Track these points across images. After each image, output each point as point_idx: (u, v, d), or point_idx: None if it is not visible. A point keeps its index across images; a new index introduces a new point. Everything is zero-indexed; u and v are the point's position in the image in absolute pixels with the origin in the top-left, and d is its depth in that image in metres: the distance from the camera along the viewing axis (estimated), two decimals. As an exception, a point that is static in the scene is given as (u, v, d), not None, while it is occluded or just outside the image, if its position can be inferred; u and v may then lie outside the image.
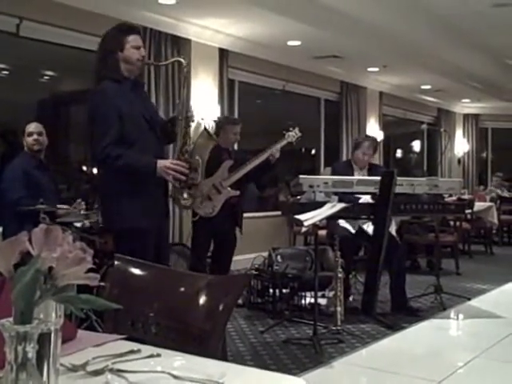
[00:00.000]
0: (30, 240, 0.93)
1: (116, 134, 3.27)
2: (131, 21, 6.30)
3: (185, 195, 3.43)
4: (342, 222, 5.55)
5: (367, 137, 6.22)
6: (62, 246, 0.91)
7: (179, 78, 3.60)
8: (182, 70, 3.63)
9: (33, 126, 4.71)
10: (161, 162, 3.31)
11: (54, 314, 1.01)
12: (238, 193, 5.18)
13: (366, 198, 5.41)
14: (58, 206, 4.61)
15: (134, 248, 3.14)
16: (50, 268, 0.91)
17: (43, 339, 0.94)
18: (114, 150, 3.26)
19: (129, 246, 3.20)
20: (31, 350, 0.88)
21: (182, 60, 3.61)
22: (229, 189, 5.12)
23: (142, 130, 3.37)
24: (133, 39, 3.41)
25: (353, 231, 5.59)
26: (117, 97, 3.32)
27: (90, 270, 0.94)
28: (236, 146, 8.13)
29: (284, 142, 5.23)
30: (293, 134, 5.25)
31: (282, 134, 5.27)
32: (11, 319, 0.89)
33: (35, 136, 4.67)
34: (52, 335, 0.96)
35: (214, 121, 5.86)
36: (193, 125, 3.60)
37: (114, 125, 3.27)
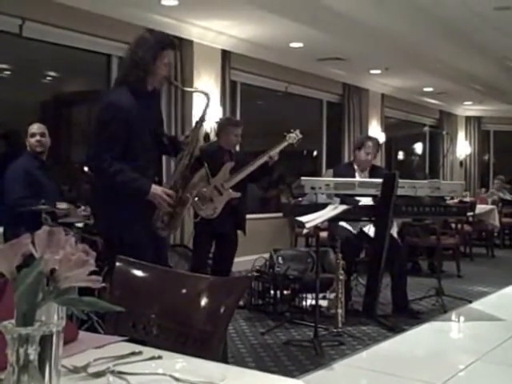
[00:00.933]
0: (32, 242, 0.93)
1: (120, 149, 3.25)
2: (133, 22, 6.38)
3: (164, 223, 3.42)
4: (343, 223, 5.55)
5: (370, 137, 6.22)
6: (64, 249, 0.91)
7: (201, 114, 3.58)
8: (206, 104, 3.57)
9: (35, 127, 4.72)
10: (154, 189, 3.28)
11: (55, 316, 1.01)
12: (239, 194, 5.17)
13: (365, 200, 5.41)
14: (58, 203, 4.60)
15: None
16: (53, 270, 0.92)
17: (45, 341, 0.94)
18: (114, 164, 3.22)
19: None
20: (33, 352, 0.89)
21: (205, 94, 3.61)
22: (230, 190, 5.12)
23: (146, 147, 3.35)
24: (166, 55, 3.34)
25: (354, 232, 5.59)
26: (130, 111, 3.26)
27: (92, 273, 0.94)
28: (238, 148, 8.17)
29: (285, 144, 5.23)
30: (294, 136, 5.25)
31: (283, 135, 5.28)
32: (13, 321, 0.89)
33: (38, 137, 4.67)
34: (54, 337, 0.96)
35: (216, 122, 5.84)
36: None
37: (120, 140, 3.24)
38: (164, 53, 3.32)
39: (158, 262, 3.24)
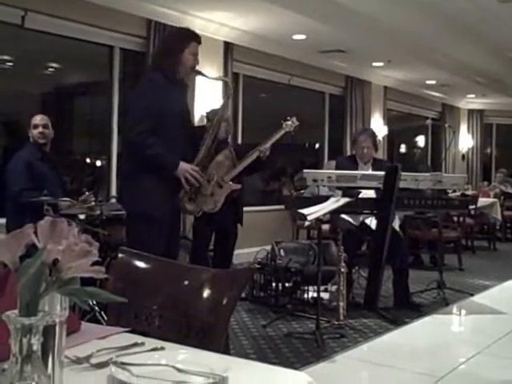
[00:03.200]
0: (35, 232, 0.93)
1: (154, 122, 3.49)
2: (136, 14, 6.37)
3: (191, 200, 3.73)
4: (345, 216, 5.55)
5: (362, 130, 6.20)
6: (67, 239, 0.91)
7: (224, 97, 3.98)
8: (226, 90, 3.92)
9: (38, 119, 4.71)
10: (183, 165, 3.56)
11: (58, 307, 1.01)
12: (239, 186, 5.16)
13: (366, 193, 5.40)
14: (63, 199, 4.60)
15: (145, 233, 3.46)
16: (55, 260, 0.91)
17: (48, 331, 0.94)
18: (149, 137, 3.48)
19: (140, 230, 3.50)
20: (36, 343, 0.88)
21: (228, 81, 3.90)
22: (230, 183, 5.11)
23: (175, 128, 3.57)
24: (194, 46, 3.68)
25: (356, 224, 5.58)
26: (163, 92, 3.55)
27: (95, 263, 0.94)
28: (240, 140, 8.17)
29: (282, 132, 5.19)
30: (290, 124, 5.21)
31: (279, 125, 5.25)
32: (16, 311, 0.89)
33: (40, 129, 4.67)
34: (57, 327, 0.96)
35: (206, 115, 5.81)
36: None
37: (154, 114, 3.49)
38: (192, 44, 3.66)
39: (168, 247, 3.51)
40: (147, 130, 3.48)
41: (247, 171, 5.23)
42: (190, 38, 3.71)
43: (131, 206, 3.68)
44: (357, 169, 5.60)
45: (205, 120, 7.17)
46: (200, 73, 4.01)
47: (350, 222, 5.56)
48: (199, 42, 3.77)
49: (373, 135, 5.82)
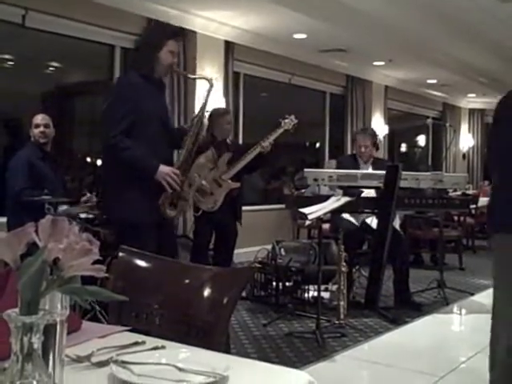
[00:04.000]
0: (36, 231, 0.93)
1: (129, 125, 3.36)
2: (136, 12, 6.37)
3: (172, 205, 3.50)
4: (346, 215, 5.55)
5: (361, 130, 6.20)
6: (68, 237, 0.91)
7: (204, 95, 3.73)
8: (208, 89, 3.73)
9: (40, 118, 4.71)
10: (163, 168, 3.40)
11: (59, 305, 1.01)
12: (238, 185, 5.17)
13: (367, 192, 5.40)
14: (62, 199, 4.61)
15: (129, 240, 3.15)
16: (56, 259, 0.91)
17: (49, 330, 0.94)
18: (124, 140, 3.35)
19: (125, 237, 3.27)
20: (37, 341, 0.88)
21: (208, 80, 3.73)
22: (229, 181, 5.12)
23: (154, 129, 3.45)
24: (172, 44, 3.53)
25: (356, 224, 5.58)
26: (139, 91, 3.42)
27: (96, 262, 0.94)
28: (240, 140, 8.16)
29: (281, 131, 5.20)
30: (289, 122, 5.22)
31: (278, 122, 5.25)
32: (17, 310, 0.89)
33: (42, 128, 4.67)
34: (58, 326, 0.96)
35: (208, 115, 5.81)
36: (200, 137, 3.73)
37: (130, 116, 3.36)
38: (169, 42, 3.50)
39: (162, 249, 3.28)
40: (122, 132, 3.35)
41: (247, 170, 5.23)
42: (169, 35, 3.56)
43: (113, 212, 3.56)
44: (358, 168, 5.60)
45: (205, 120, 7.19)
46: (179, 72, 3.94)
47: (350, 222, 5.55)
48: (179, 40, 3.66)
49: (372, 134, 5.81)
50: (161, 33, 3.58)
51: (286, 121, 5.22)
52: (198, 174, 3.63)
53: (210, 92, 3.71)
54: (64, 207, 4.64)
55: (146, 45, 3.58)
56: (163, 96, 3.75)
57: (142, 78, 3.46)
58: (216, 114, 5.40)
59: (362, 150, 5.65)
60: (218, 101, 7.24)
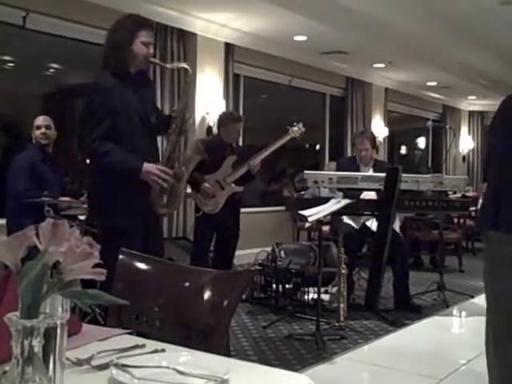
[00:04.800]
0: (36, 234, 0.93)
1: (105, 129, 3.22)
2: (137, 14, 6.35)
3: (163, 202, 3.37)
4: (346, 219, 5.54)
5: (360, 133, 6.20)
6: (69, 241, 0.91)
7: (183, 85, 3.51)
8: (185, 77, 3.57)
9: (41, 119, 4.72)
10: (147, 167, 3.24)
11: (60, 309, 1.01)
12: (241, 189, 5.18)
13: (367, 194, 5.40)
14: (61, 198, 4.62)
15: (114, 247, 3.05)
16: (57, 263, 0.91)
17: (49, 333, 0.94)
18: (102, 145, 3.21)
19: (108, 244, 3.13)
20: (37, 345, 0.88)
21: (187, 67, 3.58)
22: (232, 185, 5.12)
23: (134, 129, 3.30)
24: (143, 35, 3.32)
25: (356, 227, 5.57)
26: (113, 92, 3.26)
27: (96, 265, 0.94)
28: (240, 141, 8.17)
29: (287, 138, 5.22)
30: (296, 130, 5.23)
31: (286, 129, 5.27)
32: (18, 313, 0.89)
33: (43, 129, 4.68)
34: (58, 329, 0.96)
35: (219, 115, 5.83)
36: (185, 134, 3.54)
37: (104, 120, 3.22)
38: (140, 33, 3.31)
39: (148, 251, 3.24)
40: (99, 137, 3.20)
41: (239, 181, 5.22)
42: (139, 26, 3.34)
43: (99, 218, 3.44)
44: (358, 170, 5.60)
45: (206, 121, 7.20)
46: (155, 63, 3.73)
47: (350, 225, 5.54)
48: (151, 29, 3.45)
49: (371, 136, 5.79)
50: (130, 24, 3.34)
51: (294, 129, 5.23)
52: (185, 167, 3.46)
53: (188, 81, 3.60)
54: (67, 199, 4.66)
55: (115, 40, 3.34)
56: (146, 92, 3.54)
57: (116, 77, 3.30)
58: (228, 118, 5.35)
59: (363, 153, 5.65)
60: (218, 103, 7.26)
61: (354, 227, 5.56)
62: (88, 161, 3.54)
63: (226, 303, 1.67)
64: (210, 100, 7.18)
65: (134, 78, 3.39)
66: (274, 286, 5.49)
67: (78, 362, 1.25)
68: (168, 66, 4.18)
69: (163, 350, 1.34)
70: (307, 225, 6.73)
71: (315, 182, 5.05)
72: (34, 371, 0.88)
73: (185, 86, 3.58)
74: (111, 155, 3.21)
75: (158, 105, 6.64)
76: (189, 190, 5.03)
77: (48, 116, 4.85)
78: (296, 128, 5.23)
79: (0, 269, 1.15)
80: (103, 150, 3.21)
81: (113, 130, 3.24)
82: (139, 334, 1.62)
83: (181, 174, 3.40)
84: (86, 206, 4.66)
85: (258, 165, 5.12)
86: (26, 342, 0.87)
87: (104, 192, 3.29)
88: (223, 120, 5.34)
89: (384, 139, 11.04)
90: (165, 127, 3.45)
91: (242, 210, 5.48)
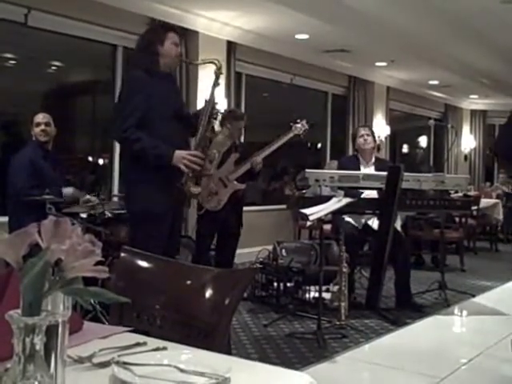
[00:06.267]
0: (39, 232, 0.93)
1: (140, 118, 3.41)
2: (139, 12, 6.37)
3: (196, 183, 3.55)
4: (347, 218, 5.52)
5: (362, 124, 6.23)
6: (71, 239, 0.91)
7: (214, 79, 3.73)
8: (215, 71, 3.76)
9: (41, 117, 4.72)
10: (178, 153, 3.43)
11: (61, 306, 1.01)
12: (244, 186, 5.18)
13: (368, 193, 5.39)
14: (64, 188, 4.63)
15: (147, 231, 3.39)
16: (58, 260, 0.91)
17: (51, 331, 0.94)
18: (135, 132, 3.39)
19: (142, 228, 3.43)
20: (39, 342, 0.88)
21: (215, 62, 3.75)
22: (235, 182, 5.12)
23: (168, 121, 3.50)
24: (173, 36, 3.61)
25: (358, 226, 5.56)
26: (145, 83, 3.47)
27: (98, 263, 0.93)
28: (242, 139, 8.16)
29: (291, 135, 5.21)
30: (300, 127, 5.22)
31: (289, 126, 5.25)
32: (19, 311, 0.89)
33: (43, 126, 4.67)
34: (60, 327, 0.96)
35: (221, 113, 5.82)
36: (216, 122, 3.73)
37: (140, 109, 3.41)
38: (169, 34, 3.60)
39: (173, 235, 3.50)
40: (132, 126, 3.40)
41: (241, 179, 5.22)
42: (166, 29, 3.70)
43: (132, 205, 3.62)
44: (359, 168, 5.60)
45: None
46: (185, 61, 4.00)
47: (352, 225, 5.52)
48: (177, 33, 3.73)
49: (372, 131, 5.87)
50: (159, 28, 3.68)
51: (298, 126, 5.22)
52: (217, 150, 3.69)
53: (218, 74, 3.74)
54: (70, 190, 4.67)
55: (147, 42, 3.61)
56: (174, 87, 3.82)
57: (148, 74, 3.50)
58: (231, 116, 5.36)
59: (368, 141, 5.63)
60: (220, 101, 7.24)
61: (355, 226, 5.56)
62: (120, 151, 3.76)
63: (227, 301, 1.67)
64: (218, 80, 7.16)
65: (165, 75, 3.63)
66: (276, 284, 5.49)
67: (80, 360, 1.25)
68: (197, 62, 4.45)
69: (164, 348, 1.34)
70: (308, 223, 6.75)
71: (316, 181, 5.04)
72: (36, 369, 0.88)
73: (215, 80, 3.76)
74: (142, 142, 3.40)
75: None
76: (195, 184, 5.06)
77: (49, 113, 4.84)
78: (299, 125, 5.22)
79: (1, 266, 1.15)
80: (135, 136, 3.40)
81: (146, 119, 3.43)
82: (140, 332, 1.62)
83: (212, 157, 3.64)
84: (87, 204, 4.68)
85: (261, 162, 5.12)
86: (27, 340, 0.87)
87: (138, 178, 3.47)
88: (226, 118, 5.34)
89: (386, 138, 11.04)
90: (197, 120, 3.66)
91: (244, 208, 5.48)
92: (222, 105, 7.12)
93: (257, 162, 5.09)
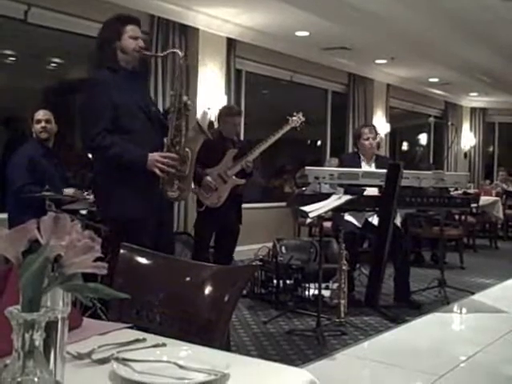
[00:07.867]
0: (38, 228, 0.93)
1: (108, 122, 3.24)
2: (139, 9, 6.35)
3: (174, 187, 3.39)
4: (347, 217, 5.51)
5: (365, 124, 6.21)
6: (70, 235, 0.91)
7: (177, 70, 3.52)
8: (177, 61, 3.60)
9: (41, 114, 4.70)
10: (151, 156, 3.26)
11: (61, 302, 1.01)
12: (243, 181, 5.17)
13: (370, 190, 5.39)
14: (65, 190, 4.61)
15: (125, 238, 3.11)
16: (58, 256, 0.91)
17: (50, 327, 0.94)
18: (106, 138, 3.23)
19: (120, 237, 3.11)
20: (38, 338, 0.89)
21: (178, 51, 3.60)
22: (234, 177, 5.12)
23: (137, 121, 3.34)
24: (130, 29, 3.39)
25: (358, 225, 5.55)
26: (111, 86, 3.29)
27: (97, 259, 0.94)
28: (242, 136, 8.17)
29: (288, 128, 5.20)
30: (296, 119, 5.22)
31: (286, 119, 5.25)
32: (19, 307, 0.89)
33: (43, 123, 4.65)
34: (59, 323, 0.96)
35: (219, 110, 5.82)
36: (188, 114, 3.53)
37: (105, 113, 3.24)
38: (126, 28, 3.38)
39: (160, 240, 3.29)
40: (101, 131, 3.22)
41: (240, 175, 5.21)
42: (124, 21, 3.42)
43: (106, 211, 3.46)
44: (360, 166, 5.59)
45: (207, 116, 7.20)
46: (146, 54, 3.74)
47: (352, 223, 5.51)
48: (137, 24, 3.48)
49: (375, 129, 5.85)
50: (116, 21, 3.42)
51: (294, 118, 5.22)
52: (189, 148, 3.47)
53: (182, 63, 3.57)
54: (71, 191, 4.65)
55: (104, 39, 3.40)
56: (139, 85, 3.58)
57: (112, 73, 3.33)
58: (226, 112, 5.35)
59: (371, 141, 5.62)
60: (219, 98, 7.25)
61: (355, 225, 5.54)
62: (91, 156, 3.56)
63: (226, 298, 1.67)
64: (211, 95, 7.17)
65: (130, 72, 3.42)
66: (275, 281, 5.49)
67: (79, 356, 1.25)
68: (159, 54, 4.19)
69: (164, 345, 1.34)
70: (308, 221, 6.75)
71: (316, 178, 5.04)
72: (35, 365, 0.88)
73: (178, 69, 3.57)
74: (115, 147, 3.24)
75: (161, 97, 6.66)
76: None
77: (49, 110, 4.82)
78: (296, 118, 5.22)
79: (1, 262, 1.15)
80: (106, 143, 3.23)
81: (115, 122, 3.27)
82: (140, 329, 1.62)
83: (186, 157, 3.41)
84: (89, 197, 4.68)
85: (251, 162, 5.11)
86: (26, 336, 0.87)
87: (112, 184, 3.31)
88: (221, 115, 5.36)
89: (386, 135, 11.03)
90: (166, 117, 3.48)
91: (243, 205, 5.48)
92: (222, 102, 7.14)
93: (248, 162, 5.08)
